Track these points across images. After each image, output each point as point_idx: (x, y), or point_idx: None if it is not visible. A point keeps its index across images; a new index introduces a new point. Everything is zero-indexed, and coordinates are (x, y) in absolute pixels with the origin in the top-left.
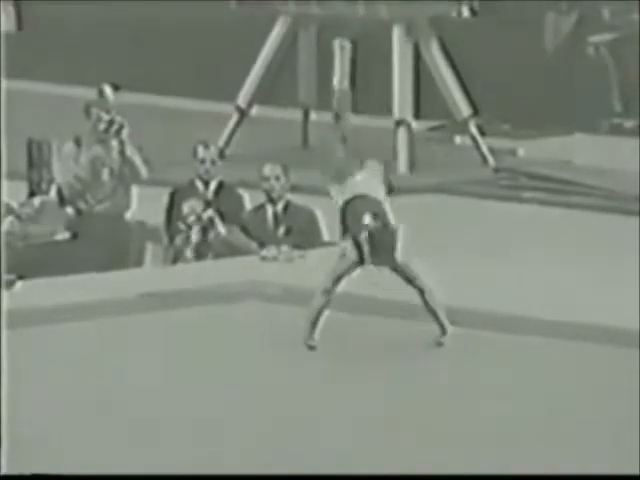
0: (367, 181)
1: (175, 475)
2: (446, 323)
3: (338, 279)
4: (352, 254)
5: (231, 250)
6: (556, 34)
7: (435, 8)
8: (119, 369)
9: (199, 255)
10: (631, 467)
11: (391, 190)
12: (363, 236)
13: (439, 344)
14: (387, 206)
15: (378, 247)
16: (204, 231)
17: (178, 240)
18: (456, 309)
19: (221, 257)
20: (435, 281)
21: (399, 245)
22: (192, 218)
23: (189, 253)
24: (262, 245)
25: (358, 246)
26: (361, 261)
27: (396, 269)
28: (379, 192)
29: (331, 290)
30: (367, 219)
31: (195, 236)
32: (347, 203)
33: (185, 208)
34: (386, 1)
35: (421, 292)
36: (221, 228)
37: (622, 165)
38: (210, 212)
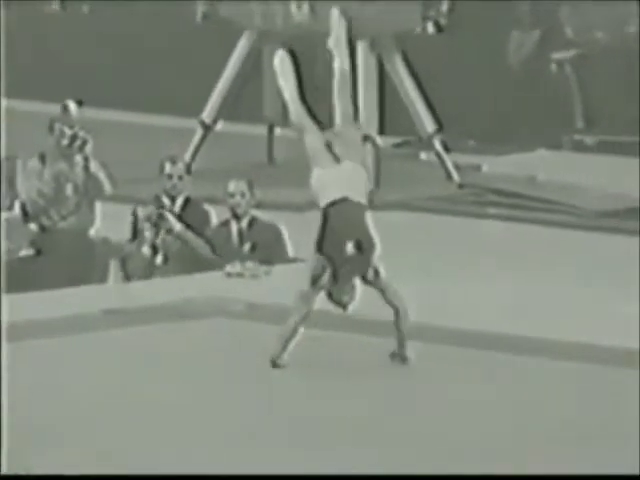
0: (350, 178)
1: (175, 475)
2: (407, 351)
3: (316, 286)
4: (327, 282)
5: (185, 247)
6: (520, 50)
7: (400, 24)
8: (81, 386)
9: (154, 252)
10: (631, 467)
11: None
12: (344, 271)
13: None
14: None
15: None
16: (156, 228)
17: (129, 248)
18: (419, 325)
19: (176, 254)
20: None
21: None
22: (145, 221)
23: (145, 250)
24: (212, 247)
25: (335, 276)
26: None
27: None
28: (362, 193)
29: (311, 298)
30: (349, 249)
31: (148, 233)
32: (329, 207)
33: (140, 213)
34: (351, 16)
35: (396, 312)
36: (173, 222)
37: (584, 181)
38: (161, 210)
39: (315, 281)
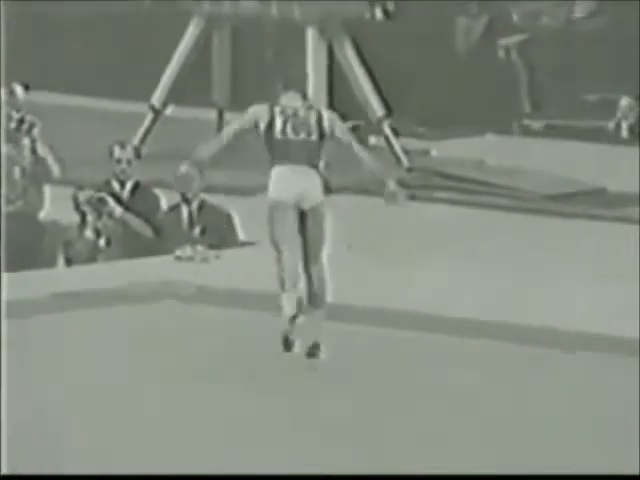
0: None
1: (175, 475)
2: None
3: None
4: None
5: (127, 230)
6: (467, 36)
7: (349, 9)
8: (30, 370)
9: (97, 236)
10: (631, 467)
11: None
12: None
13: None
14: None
15: None
16: (98, 212)
17: (71, 233)
18: (362, 308)
19: (119, 238)
20: (343, 280)
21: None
22: (86, 204)
23: (88, 234)
24: (156, 229)
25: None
26: None
27: None
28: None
29: None
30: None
31: (90, 217)
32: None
33: (81, 198)
34: (299, 2)
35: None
36: (114, 206)
37: (532, 165)
38: (102, 194)
39: None
